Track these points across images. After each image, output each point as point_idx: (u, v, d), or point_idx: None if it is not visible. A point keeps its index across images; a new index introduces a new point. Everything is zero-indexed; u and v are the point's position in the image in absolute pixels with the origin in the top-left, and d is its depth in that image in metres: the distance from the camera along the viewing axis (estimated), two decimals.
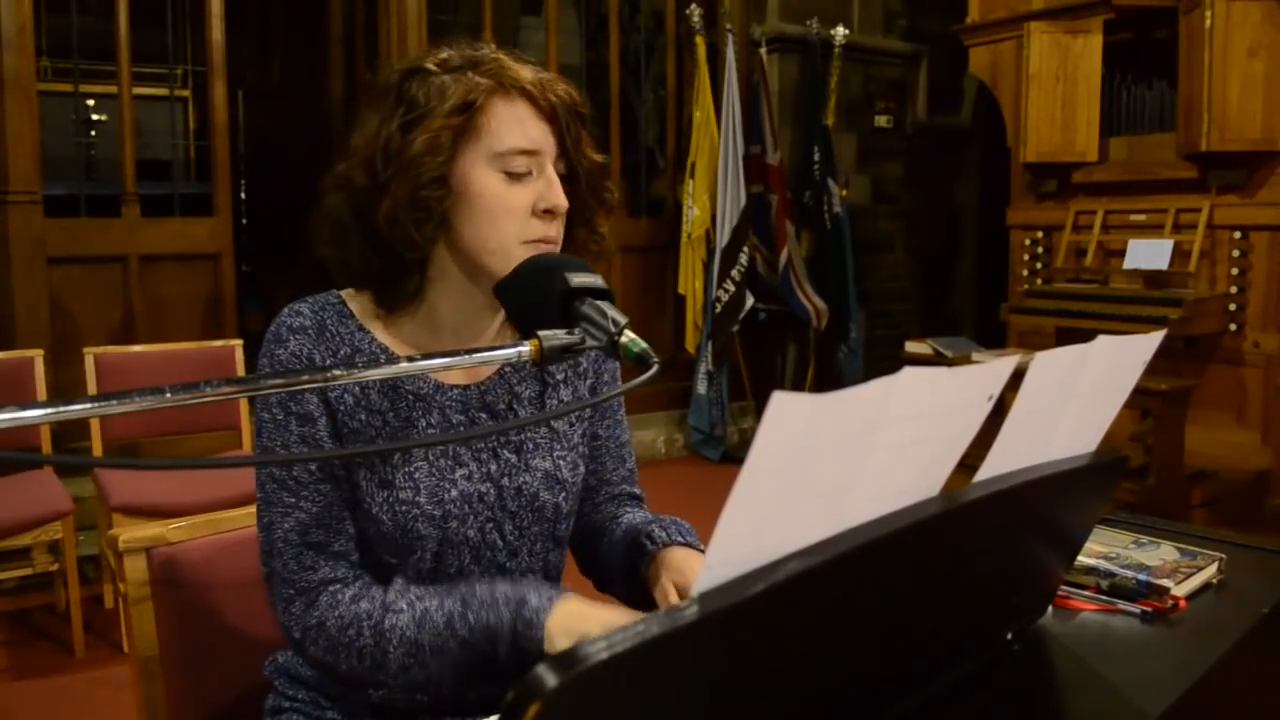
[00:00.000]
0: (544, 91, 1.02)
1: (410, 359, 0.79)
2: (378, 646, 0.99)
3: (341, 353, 1.03)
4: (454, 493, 1.04)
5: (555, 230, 1.04)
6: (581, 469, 1.15)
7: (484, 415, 1.08)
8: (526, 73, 1.02)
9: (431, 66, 1.02)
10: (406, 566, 1.05)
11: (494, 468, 1.07)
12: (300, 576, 1.02)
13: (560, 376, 1.15)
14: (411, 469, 1.03)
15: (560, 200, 1.02)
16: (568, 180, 1.06)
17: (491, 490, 1.07)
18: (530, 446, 1.10)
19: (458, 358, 0.80)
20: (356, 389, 1.03)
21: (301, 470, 1.02)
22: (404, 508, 1.02)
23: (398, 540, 1.03)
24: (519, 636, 0.96)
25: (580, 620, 0.96)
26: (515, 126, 1.01)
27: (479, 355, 0.81)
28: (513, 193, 1.01)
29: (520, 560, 1.10)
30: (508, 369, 1.11)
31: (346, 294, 1.08)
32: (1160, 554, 1.20)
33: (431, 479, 1.04)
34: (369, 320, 1.06)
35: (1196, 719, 0.92)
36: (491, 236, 1.01)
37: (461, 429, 1.06)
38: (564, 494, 1.12)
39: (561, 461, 1.12)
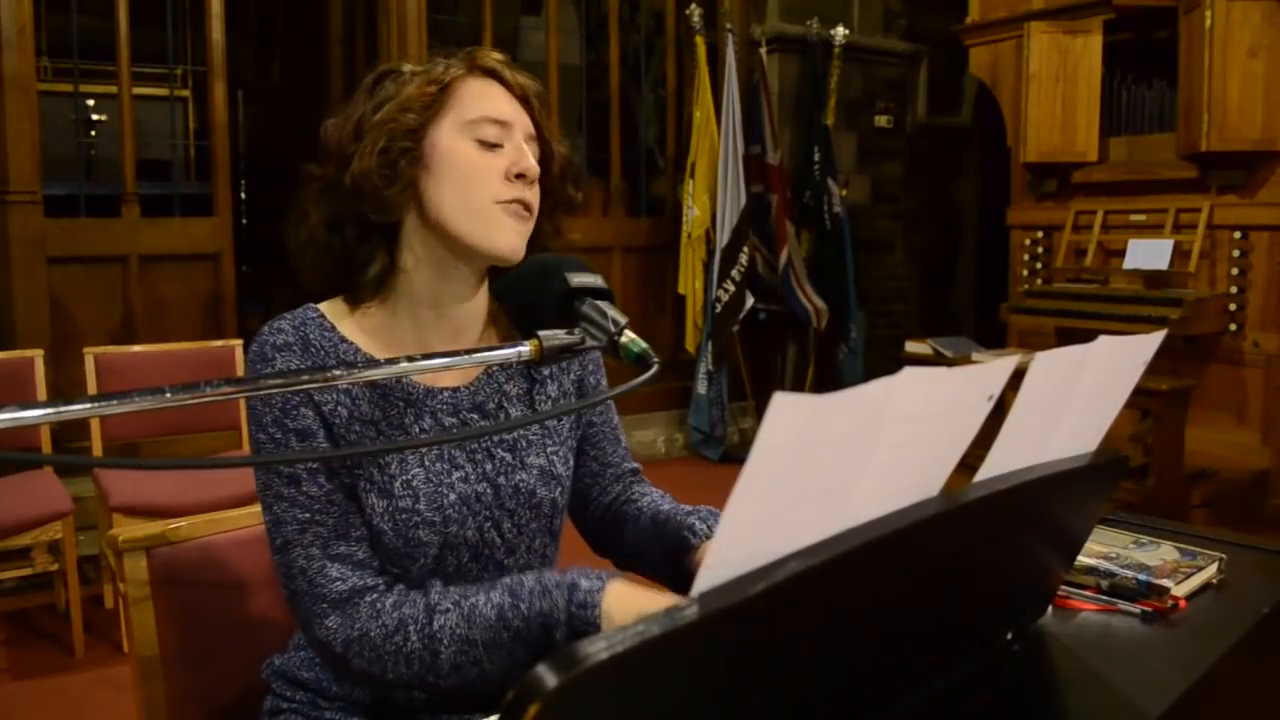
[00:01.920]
0: (514, 74, 1.07)
1: (410, 359, 0.79)
2: (427, 649, 0.97)
3: (328, 365, 1.03)
4: (452, 496, 1.04)
5: (531, 196, 1.05)
6: (572, 462, 1.17)
7: (475, 416, 1.09)
8: (495, 55, 1.07)
9: (405, 69, 1.07)
10: (410, 576, 1.04)
11: (489, 467, 1.08)
12: (330, 590, 0.99)
13: (546, 372, 1.16)
14: (409, 477, 1.03)
15: (532, 165, 1.04)
16: (541, 166, 1.08)
17: (489, 490, 1.07)
18: (524, 444, 1.11)
19: (457, 358, 0.80)
20: (348, 401, 1.03)
21: (311, 484, 1.00)
22: (404, 516, 1.02)
23: (400, 549, 1.03)
24: (574, 619, 0.94)
25: (640, 602, 0.94)
26: (486, 99, 1.04)
27: (478, 355, 0.81)
28: (485, 159, 1.03)
29: (518, 557, 1.11)
30: (495, 368, 1.11)
31: (324, 307, 1.08)
32: (1160, 554, 1.20)
33: (429, 485, 1.03)
34: (350, 330, 1.06)
35: (1196, 719, 0.92)
36: (465, 197, 1.02)
37: (454, 431, 1.07)
38: (559, 489, 1.13)
39: (555, 456, 1.13)
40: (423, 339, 1.08)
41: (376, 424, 1.03)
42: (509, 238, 1.03)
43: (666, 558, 1.14)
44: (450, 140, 1.02)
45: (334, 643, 0.99)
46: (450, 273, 1.05)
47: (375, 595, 1.00)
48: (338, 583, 1.00)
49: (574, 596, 0.95)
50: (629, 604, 0.94)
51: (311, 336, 1.04)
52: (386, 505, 1.02)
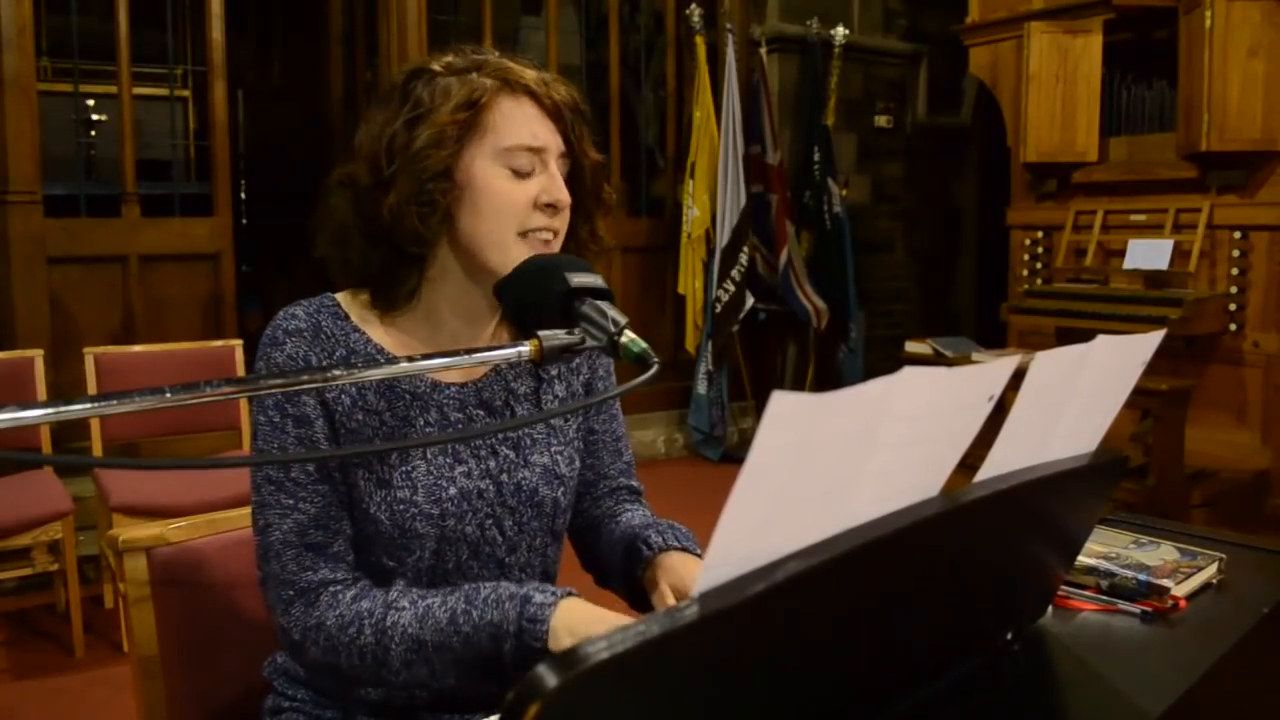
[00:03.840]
0: (547, 90, 1.04)
1: (410, 359, 0.79)
2: (379, 644, 0.98)
3: (337, 354, 1.04)
4: (452, 490, 1.05)
5: (559, 222, 1.05)
6: (577, 463, 1.16)
7: (481, 412, 1.09)
8: (530, 73, 1.05)
9: (437, 68, 1.04)
10: (405, 568, 1.05)
11: (493, 464, 1.08)
12: (299, 578, 1.01)
13: (555, 372, 1.16)
14: (409, 468, 1.03)
15: (563, 195, 1.04)
16: (571, 178, 1.08)
17: (491, 487, 1.07)
18: (528, 442, 1.11)
19: (457, 358, 0.80)
20: (353, 389, 1.04)
21: (299, 471, 1.02)
22: (401, 507, 1.02)
23: (396, 540, 1.03)
24: (523, 632, 0.95)
25: (586, 623, 0.94)
26: (521, 124, 1.03)
27: (478, 355, 0.81)
28: (516, 188, 1.03)
29: (519, 555, 1.11)
30: (503, 365, 1.11)
31: (341, 297, 1.09)
32: (1160, 554, 1.20)
33: (429, 478, 1.04)
34: (364, 321, 1.07)
35: (1196, 719, 0.92)
36: (493, 230, 1.02)
37: (459, 426, 1.07)
38: (562, 489, 1.13)
39: (559, 456, 1.13)
40: (437, 338, 1.09)
41: (380, 415, 1.04)
42: None
43: (622, 570, 1.14)
44: (483, 169, 1.02)
45: (294, 629, 1.01)
46: (473, 286, 1.07)
47: (338, 588, 1.02)
48: (308, 572, 1.01)
49: (525, 610, 0.95)
50: (577, 623, 0.94)
51: (324, 324, 1.05)
52: (384, 495, 1.02)
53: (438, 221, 1.02)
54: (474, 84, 1.02)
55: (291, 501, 1.02)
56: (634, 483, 1.25)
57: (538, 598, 0.96)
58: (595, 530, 1.21)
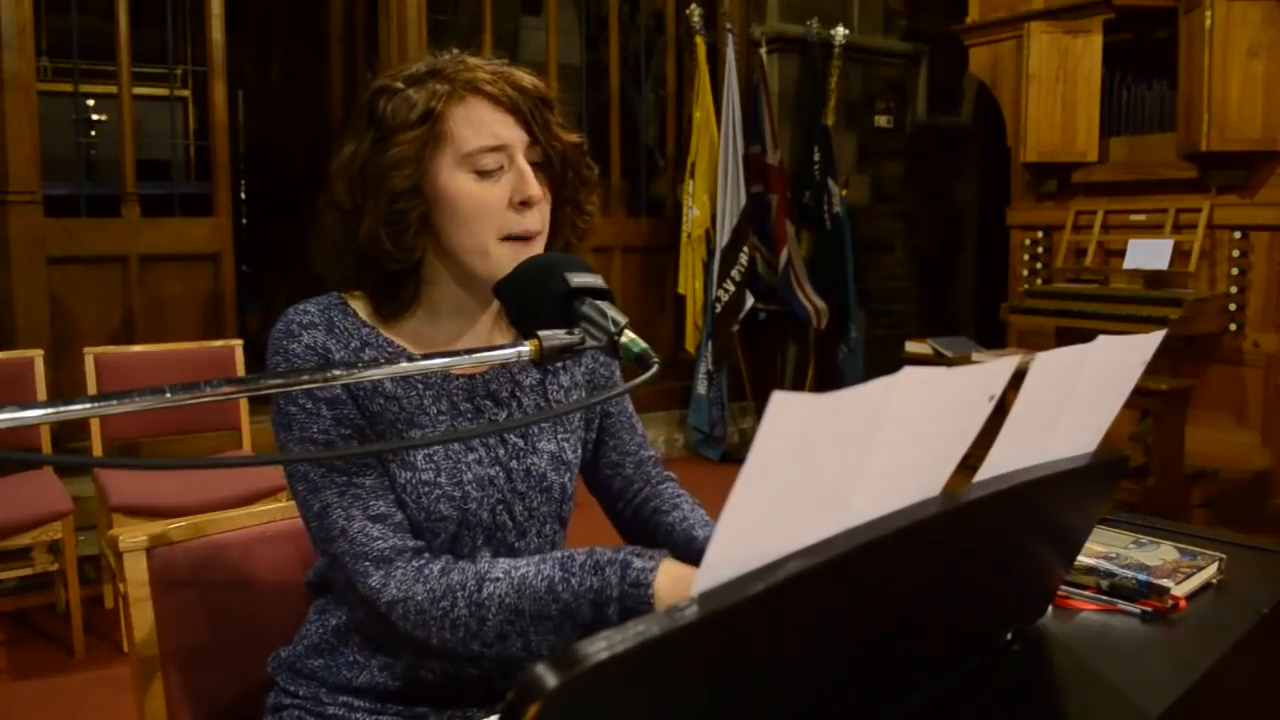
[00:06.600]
0: (501, 86, 1.03)
1: (410, 358, 0.80)
2: (473, 616, 0.99)
3: (352, 345, 1.06)
4: (469, 475, 1.07)
5: (534, 221, 1.06)
6: (580, 451, 1.19)
7: (489, 402, 1.12)
8: (483, 71, 1.04)
9: (398, 84, 1.05)
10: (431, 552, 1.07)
11: (502, 452, 1.11)
12: (371, 547, 1.02)
13: (559, 363, 1.18)
14: (430, 451, 1.06)
15: (534, 190, 1.04)
16: (544, 166, 1.07)
17: (500, 473, 1.10)
18: (535, 430, 1.14)
19: (459, 358, 0.81)
20: None
21: (347, 447, 1.04)
22: (426, 489, 1.05)
23: (420, 523, 1.05)
24: (626, 596, 0.95)
25: (692, 582, 0.96)
26: (478, 127, 1.03)
27: (479, 355, 0.82)
28: (486, 190, 1.03)
29: (529, 540, 1.13)
30: None
31: (345, 296, 1.11)
32: (1160, 554, 1.20)
33: (449, 461, 1.07)
34: (371, 317, 1.09)
35: (1196, 719, 0.92)
36: (470, 236, 1.04)
37: (468, 415, 1.10)
38: (568, 474, 1.16)
39: (565, 443, 1.15)
40: (437, 333, 1.11)
41: (398, 400, 1.06)
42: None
43: None
44: (449, 178, 1.03)
45: (378, 601, 1.02)
46: (467, 287, 1.09)
47: (421, 561, 1.03)
48: (379, 541, 1.02)
49: (627, 575, 0.96)
50: (682, 584, 0.95)
51: (335, 319, 1.07)
52: (410, 477, 1.05)
53: (412, 237, 1.03)
54: (430, 93, 1.02)
55: (345, 478, 1.03)
56: (652, 452, 1.28)
57: (637, 563, 0.97)
58: (662, 527, 1.21)
